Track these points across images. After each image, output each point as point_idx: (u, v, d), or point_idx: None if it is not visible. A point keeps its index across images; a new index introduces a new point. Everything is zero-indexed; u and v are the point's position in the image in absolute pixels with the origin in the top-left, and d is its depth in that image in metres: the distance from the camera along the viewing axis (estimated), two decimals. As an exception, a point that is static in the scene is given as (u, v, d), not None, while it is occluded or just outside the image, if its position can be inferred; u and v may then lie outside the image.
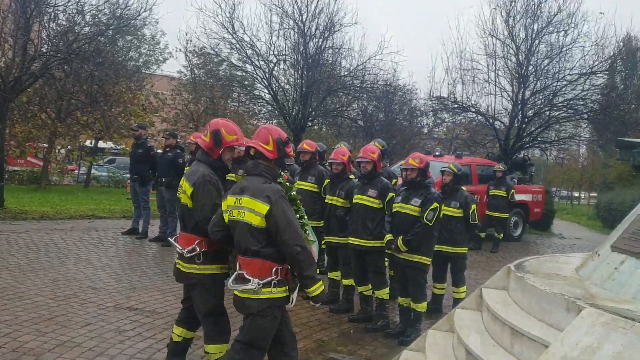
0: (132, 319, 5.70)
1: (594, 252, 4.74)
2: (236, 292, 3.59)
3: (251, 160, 3.80)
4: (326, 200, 6.77)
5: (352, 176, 6.82)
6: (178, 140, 10.57)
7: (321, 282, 3.68)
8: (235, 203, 3.61)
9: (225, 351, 3.88)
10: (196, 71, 25.27)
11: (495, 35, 19.42)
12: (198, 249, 3.86)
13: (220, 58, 21.56)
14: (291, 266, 3.60)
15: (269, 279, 3.50)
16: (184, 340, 4.23)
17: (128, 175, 11.89)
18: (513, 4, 18.83)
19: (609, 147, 22.46)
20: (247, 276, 3.50)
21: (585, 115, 19.35)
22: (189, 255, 3.87)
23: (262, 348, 3.64)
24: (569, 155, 34.16)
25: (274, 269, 3.53)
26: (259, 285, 3.47)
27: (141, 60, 28.18)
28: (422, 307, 5.89)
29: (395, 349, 5.37)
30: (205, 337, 4.04)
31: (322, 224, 6.92)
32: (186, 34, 29.29)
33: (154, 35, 28.75)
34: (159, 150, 11.73)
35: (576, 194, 42.21)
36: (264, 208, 3.49)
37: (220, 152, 3.99)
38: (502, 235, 13.14)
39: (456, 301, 6.59)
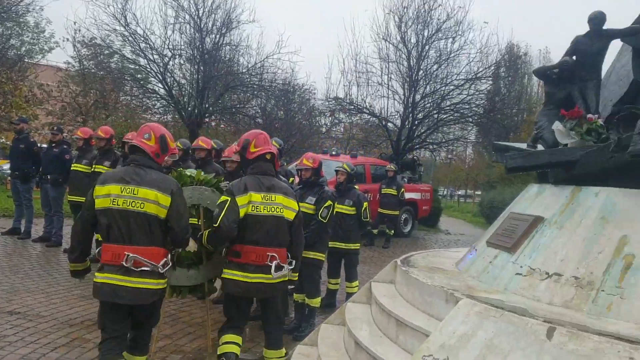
0: (13, 324, 5.37)
1: (472, 247, 5.14)
2: (271, 281, 4.05)
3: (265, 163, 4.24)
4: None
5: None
6: (64, 135, 10.01)
7: None
8: (264, 199, 4.07)
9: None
10: (85, 62, 23.96)
11: (388, 39, 20.23)
12: (170, 263, 3.76)
13: (111, 50, 20.62)
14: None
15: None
16: None
17: (9, 172, 11.09)
18: (405, 9, 19.71)
19: (492, 148, 24.10)
20: (282, 264, 4.07)
21: (471, 119, 20.65)
22: (164, 270, 3.68)
23: None
24: (456, 156, 36.24)
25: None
26: (288, 270, 4.17)
27: (23, 49, 26.22)
28: (316, 302, 6.05)
29: (289, 344, 5.47)
30: (139, 347, 3.94)
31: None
32: (74, 23, 27.67)
33: (38, 23, 26.79)
34: (44, 145, 11.02)
35: (462, 192, 44.80)
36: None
37: (165, 158, 3.94)
38: (393, 231, 13.74)
39: (349, 296, 6.80)
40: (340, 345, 4.66)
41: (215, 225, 3.91)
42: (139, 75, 21.79)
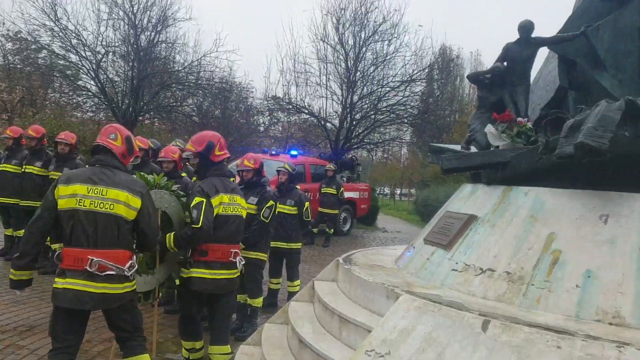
0: None
1: (410, 245, 5.32)
2: (233, 276, 4.39)
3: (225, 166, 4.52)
4: None
5: (184, 174, 6.78)
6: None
7: None
8: (230, 200, 4.31)
9: None
10: (10, 57, 22.81)
11: (326, 40, 20.46)
12: (135, 265, 3.66)
13: (39, 45, 19.76)
14: None
15: None
16: None
17: None
18: (343, 11, 19.99)
19: (427, 148, 24.83)
20: (241, 260, 4.46)
21: (406, 120, 21.17)
22: (130, 272, 3.58)
23: None
24: (392, 156, 37.04)
25: None
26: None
27: (-61, 41, 24.69)
28: (258, 302, 6.07)
29: (232, 345, 5.47)
30: (138, 348, 3.85)
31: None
32: (-2, 15, 26.33)
33: (-44, 15, 25.34)
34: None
35: (398, 191, 45.81)
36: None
37: (130, 160, 3.90)
38: (332, 230, 13.92)
39: (291, 295, 6.88)
40: (284, 344, 4.71)
41: (197, 226, 3.98)
42: (68, 72, 21.00)
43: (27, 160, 7.99)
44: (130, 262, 3.59)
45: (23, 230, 8.00)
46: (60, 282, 3.44)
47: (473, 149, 5.26)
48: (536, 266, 3.76)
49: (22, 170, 7.98)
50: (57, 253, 3.54)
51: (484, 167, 4.67)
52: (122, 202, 3.53)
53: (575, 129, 3.68)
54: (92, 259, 3.41)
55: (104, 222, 3.47)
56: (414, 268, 4.67)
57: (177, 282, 6.66)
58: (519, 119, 4.73)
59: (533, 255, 3.83)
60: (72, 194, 3.46)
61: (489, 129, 4.82)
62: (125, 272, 3.54)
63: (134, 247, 3.75)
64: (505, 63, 5.20)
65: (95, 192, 3.48)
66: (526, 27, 5.04)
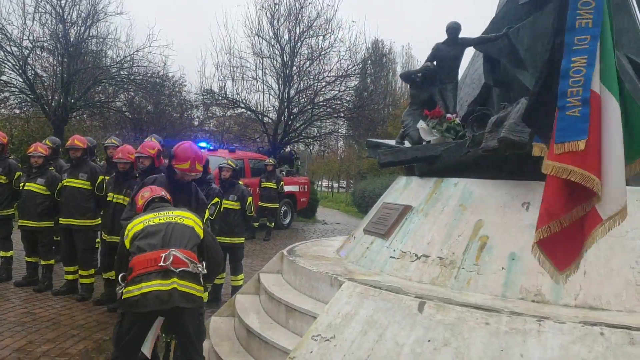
0: None
1: (351, 235, 5.59)
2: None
3: None
4: (109, 198, 6.59)
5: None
6: None
7: None
8: None
9: None
10: None
11: (261, 35, 20.49)
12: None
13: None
14: None
15: None
16: None
17: None
18: (277, 6, 20.06)
19: (362, 141, 25.37)
20: None
21: (342, 114, 21.54)
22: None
23: None
24: (329, 149, 37.50)
25: None
26: None
27: None
28: (203, 297, 6.18)
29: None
30: None
31: (102, 223, 6.75)
32: None
33: None
34: None
35: (336, 184, 46.42)
36: None
37: None
38: (273, 224, 14.08)
39: (234, 289, 7.01)
40: (231, 335, 4.87)
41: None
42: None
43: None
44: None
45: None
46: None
47: (407, 144, 5.58)
48: (466, 251, 4.09)
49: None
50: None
51: (417, 161, 4.98)
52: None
53: (499, 124, 4.03)
54: None
55: None
56: (355, 257, 4.94)
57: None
58: (448, 115, 5.07)
59: (463, 241, 4.17)
60: None
61: (421, 124, 5.14)
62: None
63: None
64: (434, 62, 5.54)
65: None
66: (453, 29, 5.39)
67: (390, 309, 3.51)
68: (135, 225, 3.69)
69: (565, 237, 2.76)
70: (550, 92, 2.75)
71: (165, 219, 3.70)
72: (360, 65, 21.85)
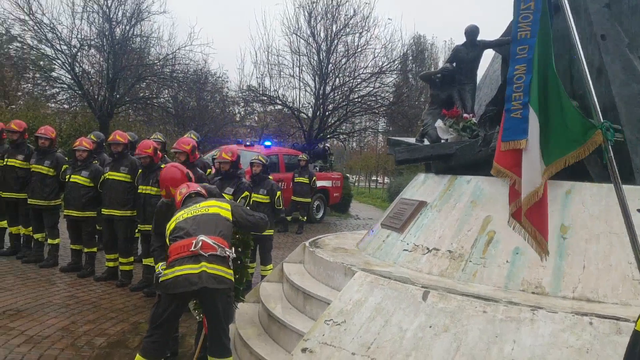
0: None
1: (370, 229, 5.85)
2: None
3: None
4: (139, 190, 7.02)
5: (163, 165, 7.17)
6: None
7: None
8: None
9: None
10: (-19, 50, 22.68)
11: (298, 34, 20.84)
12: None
13: (9, 36, 19.73)
14: None
15: None
16: None
17: None
18: (314, 4, 20.36)
19: (398, 136, 25.38)
20: None
21: (377, 110, 21.72)
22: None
23: None
24: (367, 145, 37.63)
25: None
26: None
27: None
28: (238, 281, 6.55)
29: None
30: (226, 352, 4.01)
31: (136, 213, 7.19)
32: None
33: None
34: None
35: (373, 179, 46.49)
36: None
37: None
38: (305, 218, 14.43)
39: (264, 278, 7.35)
40: (255, 320, 5.21)
41: None
42: (41, 62, 20.98)
43: (8, 154, 8.28)
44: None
45: (4, 222, 8.41)
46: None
47: (426, 142, 5.80)
48: (474, 245, 4.31)
49: (4, 163, 8.28)
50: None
51: (432, 159, 5.20)
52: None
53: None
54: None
55: None
56: (372, 249, 5.21)
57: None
58: (465, 114, 5.27)
59: (472, 236, 4.39)
60: None
61: (439, 123, 5.36)
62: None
63: None
64: (454, 64, 5.74)
65: None
66: (472, 32, 5.58)
67: (397, 297, 3.78)
68: (170, 225, 4.10)
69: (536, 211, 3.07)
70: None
71: (192, 212, 4.07)
72: (397, 62, 21.94)
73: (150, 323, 3.93)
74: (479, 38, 5.63)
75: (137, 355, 3.84)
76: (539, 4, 2.94)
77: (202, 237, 3.84)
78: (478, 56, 5.68)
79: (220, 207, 4.15)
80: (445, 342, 3.35)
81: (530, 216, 3.02)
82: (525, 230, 3.12)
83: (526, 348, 3.15)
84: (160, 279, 3.87)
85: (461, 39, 5.72)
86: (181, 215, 4.09)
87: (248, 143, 15.52)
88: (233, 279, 3.97)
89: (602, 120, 2.81)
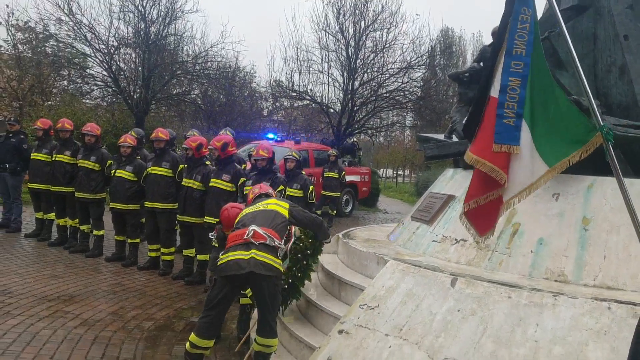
0: (-5, 300, 5.95)
1: (400, 222, 6.14)
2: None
3: None
4: (183, 183, 7.42)
5: (207, 162, 7.56)
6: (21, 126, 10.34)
7: None
8: None
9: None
10: (20, 47, 23.51)
11: (327, 30, 21.13)
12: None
13: (47, 33, 20.46)
14: None
15: None
16: None
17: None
18: (343, 1, 20.62)
19: (427, 131, 25.51)
20: None
21: (405, 105, 21.89)
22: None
23: None
24: (395, 139, 37.67)
25: None
26: None
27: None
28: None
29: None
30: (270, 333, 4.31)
31: (177, 206, 7.59)
32: (7, 6, 26.97)
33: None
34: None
35: (401, 173, 46.43)
36: None
37: None
38: (335, 212, 14.74)
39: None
40: (294, 307, 5.54)
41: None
42: (76, 60, 21.62)
43: (57, 150, 8.80)
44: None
45: (53, 214, 8.93)
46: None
47: (454, 139, 6.06)
48: (500, 236, 4.56)
49: (53, 158, 8.79)
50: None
51: (460, 155, 5.44)
52: None
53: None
54: None
55: None
56: (402, 240, 5.50)
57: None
58: (492, 112, 5.50)
59: (498, 227, 4.57)
60: None
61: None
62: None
63: None
64: (481, 63, 5.98)
65: None
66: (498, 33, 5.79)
67: (427, 283, 4.07)
68: (236, 220, 4.53)
69: (484, 211, 3.45)
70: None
71: (254, 208, 4.53)
72: (424, 57, 22.06)
73: (205, 305, 4.30)
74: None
75: (192, 334, 4.20)
76: (533, 27, 3.25)
77: (254, 227, 4.22)
78: None
79: (279, 205, 4.57)
80: (473, 325, 3.63)
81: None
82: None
83: (548, 330, 3.41)
84: (217, 263, 4.24)
85: (493, 25, 5.89)
86: (245, 211, 4.54)
87: (279, 138, 15.87)
88: (281, 269, 4.30)
89: (601, 122, 3.09)
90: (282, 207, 4.56)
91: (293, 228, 4.98)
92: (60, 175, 8.70)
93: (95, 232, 8.59)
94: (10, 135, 9.63)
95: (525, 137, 3.26)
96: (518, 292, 3.71)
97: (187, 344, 4.22)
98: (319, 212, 14.39)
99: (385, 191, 26.55)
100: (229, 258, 4.14)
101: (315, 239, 4.97)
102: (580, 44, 5.35)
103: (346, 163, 17.31)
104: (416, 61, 21.15)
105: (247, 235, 4.18)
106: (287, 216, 4.50)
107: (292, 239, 4.92)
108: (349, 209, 17.05)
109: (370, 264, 4.87)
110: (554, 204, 4.48)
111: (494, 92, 3.33)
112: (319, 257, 5.10)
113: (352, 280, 4.81)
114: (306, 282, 5.10)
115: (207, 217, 7.02)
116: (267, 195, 4.87)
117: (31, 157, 9.10)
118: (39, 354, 4.68)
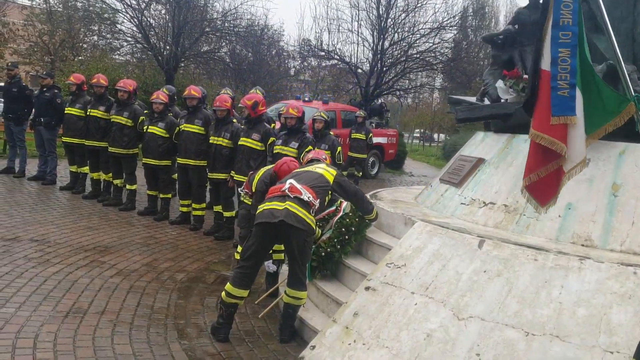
0: (36, 249, 6.20)
1: (428, 184, 6.19)
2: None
3: None
4: (211, 141, 7.55)
5: (234, 120, 7.66)
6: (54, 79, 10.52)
7: None
8: None
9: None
10: (52, 1, 23.71)
11: (358, -13, 20.73)
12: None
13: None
14: None
15: None
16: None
17: (1, 114, 11.60)
18: (376, -42, 20.15)
19: (457, 94, 25.16)
20: None
21: (436, 66, 21.56)
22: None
23: None
24: (423, 101, 37.24)
25: None
26: None
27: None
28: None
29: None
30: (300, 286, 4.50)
31: (207, 163, 7.74)
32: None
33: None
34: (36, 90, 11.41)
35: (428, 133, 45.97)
36: None
37: None
38: (361, 173, 14.80)
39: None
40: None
41: None
42: (105, 15, 21.67)
43: (91, 105, 8.98)
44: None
45: (87, 167, 9.18)
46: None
47: (486, 101, 6.01)
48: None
49: (87, 113, 8.98)
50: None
51: (492, 118, 5.44)
52: None
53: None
54: None
55: None
56: (430, 202, 5.56)
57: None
58: (525, 75, 5.44)
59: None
60: None
61: (500, 84, 5.56)
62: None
63: None
64: (515, 26, 5.87)
65: None
66: (535, -5, 5.68)
67: (454, 245, 4.14)
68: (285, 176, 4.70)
69: (544, 183, 3.47)
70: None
71: (302, 169, 4.75)
72: (457, 18, 21.60)
73: (240, 256, 4.48)
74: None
75: (228, 284, 4.39)
76: None
77: (292, 181, 4.39)
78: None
79: (326, 170, 4.75)
80: (498, 286, 3.71)
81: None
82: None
83: (572, 293, 3.47)
84: (256, 213, 4.45)
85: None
86: (296, 171, 4.74)
87: (307, 99, 15.86)
88: (313, 225, 4.41)
89: (633, 93, 3.16)
90: (329, 172, 4.71)
91: (344, 203, 5.17)
92: (94, 129, 8.89)
93: (128, 187, 8.81)
94: (45, 89, 9.83)
95: (580, 106, 3.29)
96: (544, 255, 3.76)
97: (223, 293, 4.41)
98: (345, 173, 14.50)
99: (411, 154, 26.44)
100: (265, 207, 4.33)
101: (362, 218, 5.06)
102: (619, 7, 5.21)
103: (373, 125, 17.26)
104: (448, 22, 20.78)
105: (285, 188, 4.34)
106: (331, 181, 4.64)
107: (341, 213, 5.10)
108: (375, 171, 17.09)
109: (398, 224, 4.95)
110: (584, 169, 4.46)
111: (545, 65, 3.32)
112: (362, 235, 5.12)
113: (379, 240, 4.91)
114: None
115: (236, 175, 7.14)
116: (319, 161, 5.05)
117: (65, 112, 9.29)
118: (78, 300, 4.92)
